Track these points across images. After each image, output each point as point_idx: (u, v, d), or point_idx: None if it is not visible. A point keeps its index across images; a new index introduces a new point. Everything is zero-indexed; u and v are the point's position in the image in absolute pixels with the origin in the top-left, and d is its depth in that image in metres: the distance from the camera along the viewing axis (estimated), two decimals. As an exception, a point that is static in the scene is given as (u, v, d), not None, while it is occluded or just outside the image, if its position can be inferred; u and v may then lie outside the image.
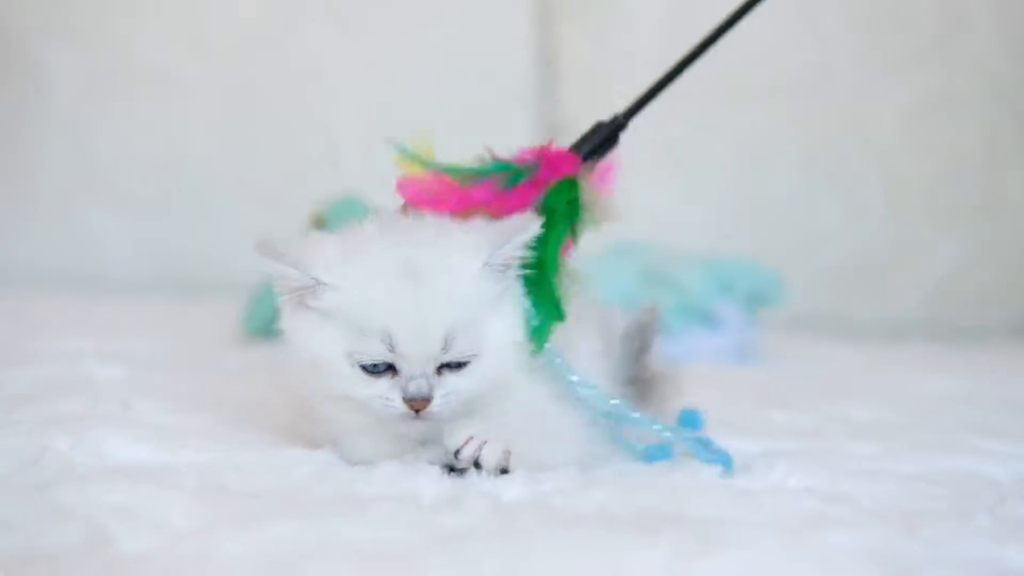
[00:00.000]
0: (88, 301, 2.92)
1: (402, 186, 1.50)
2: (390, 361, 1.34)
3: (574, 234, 1.44)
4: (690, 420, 1.56)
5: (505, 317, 1.38)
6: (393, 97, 3.15)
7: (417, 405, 1.35)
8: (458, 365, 1.36)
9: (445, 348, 1.34)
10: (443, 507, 1.26)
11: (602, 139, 1.53)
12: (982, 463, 1.53)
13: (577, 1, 3.17)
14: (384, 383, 1.35)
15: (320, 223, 2.41)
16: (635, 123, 3.21)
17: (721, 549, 1.10)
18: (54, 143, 3.15)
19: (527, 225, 1.37)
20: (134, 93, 3.18)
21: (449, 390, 1.36)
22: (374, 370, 1.35)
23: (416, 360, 1.34)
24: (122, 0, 3.19)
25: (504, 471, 1.36)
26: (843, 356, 2.57)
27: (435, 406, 1.35)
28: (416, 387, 1.34)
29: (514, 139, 3.09)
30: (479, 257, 1.36)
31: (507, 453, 1.36)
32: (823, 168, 3.03)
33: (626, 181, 3.06)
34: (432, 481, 1.35)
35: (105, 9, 3.19)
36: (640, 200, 3.09)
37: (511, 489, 1.35)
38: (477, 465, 1.37)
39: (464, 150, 3.18)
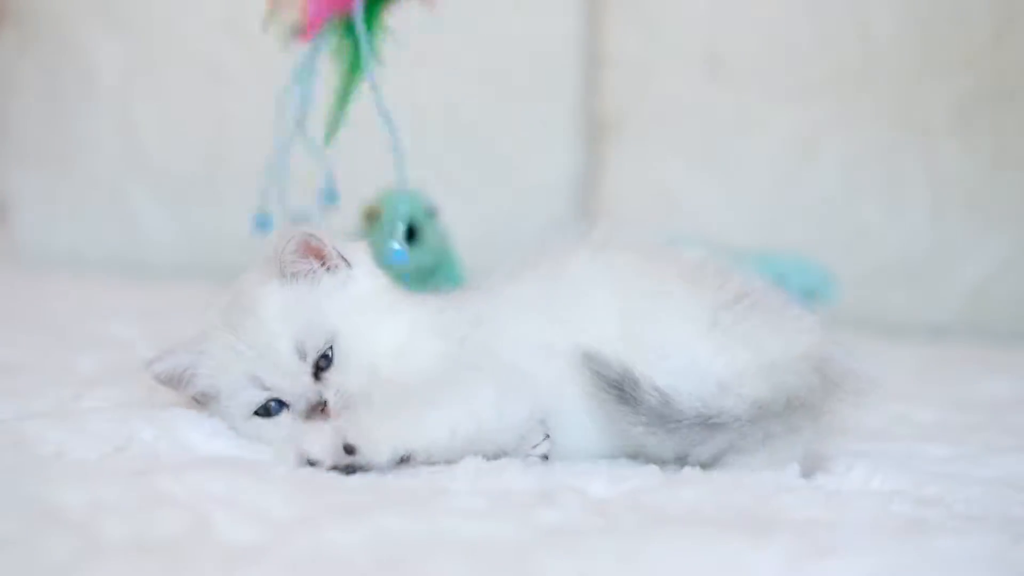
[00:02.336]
0: (131, 285, 2.92)
1: None
2: (273, 397, 1.43)
3: None
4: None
5: (337, 298, 1.46)
6: (441, 88, 3.13)
7: (317, 414, 1.41)
8: (326, 358, 1.43)
9: (301, 355, 1.42)
10: (536, 502, 1.26)
11: None
12: (1062, 467, 1.54)
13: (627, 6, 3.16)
14: (284, 419, 1.43)
15: (373, 216, 2.40)
16: (681, 117, 3.19)
17: (834, 554, 1.10)
18: (99, 129, 3.14)
19: (287, 233, 1.47)
20: (179, 80, 3.16)
21: (335, 383, 1.42)
22: (268, 415, 1.43)
23: (287, 382, 1.42)
24: (166, -15, 3.18)
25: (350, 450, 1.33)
26: (891, 354, 2.57)
27: (333, 404, 1.41)
28: (306, 399, 1.41)
29: (560, 134, 3.15)
30: (271, 279, 1.46)
31: (340, 436, 1.33)
32: (868, 166, 3.02)
33: (672, 177, 3.09)
34: (518, 475, 1.35)
35: (150, -2, 3.18)
36: (686, 196, 3.08)
37: (596, 484, 1.35)
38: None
39: (511, 143, 3.18)
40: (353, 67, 1.72)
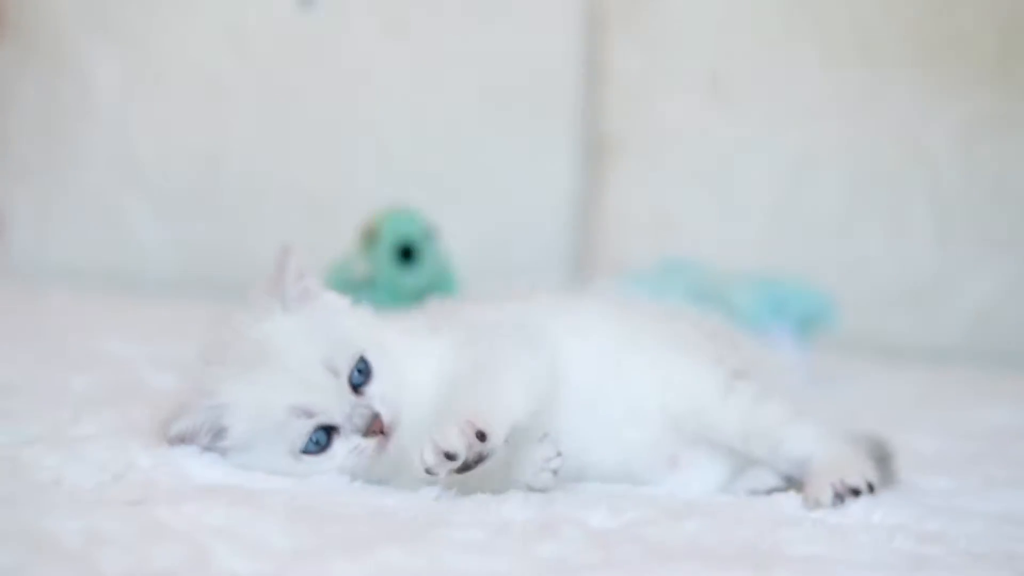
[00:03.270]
0: (128, 301, 2.91)
1: None
2: (321, 424, 1.36)
3: None
4: None
5: (345, 313, 1.43)
6: (438, 104, 3.13)
7: (376, 426, 1.36)
8: (360, 373, 1.37)
9: (336, 373, 1.36)
10: (536, 534, 1.26)
11: None
12: (1064, 501, 1.53)
13: (626, 13, 3.16)
14: (338, 446, 1.37)
15: (372, 234, 2.40)
16: (682, 139, 3.21)
17: (837, 592, 1.09)
18: (95, 142, 3.14)
19: (282, 260, 1.41)
20: (176, 93, 3.16)
21: (378, 394, 1.37)
22: (318, 448, 1.37)
23: (333, 402, 1.35)
24: (164, 0, 3.18)
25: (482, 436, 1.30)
26: (891, 380, 2.56)
27: (386, 414, 1.36)
28: (360, 415, 1.36)
29: (559, 153, 3.15)
30: (270, 312, 1.40)
31: (469, 424, 1.30)
32: (871, 189, 3.02)
33: (672, 198, 3.09)
34: (518, 507, 1.35)
35: (148, 9, 3.18)
36: (685, 217, 3.08)
37: (596, 516, 1.35)
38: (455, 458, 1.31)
39: (511, 163, 3.18)
40: None
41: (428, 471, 1.30)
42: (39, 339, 2.37)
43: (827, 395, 2.38)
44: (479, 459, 1.30)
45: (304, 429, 1.36)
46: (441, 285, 2.39)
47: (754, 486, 1.53)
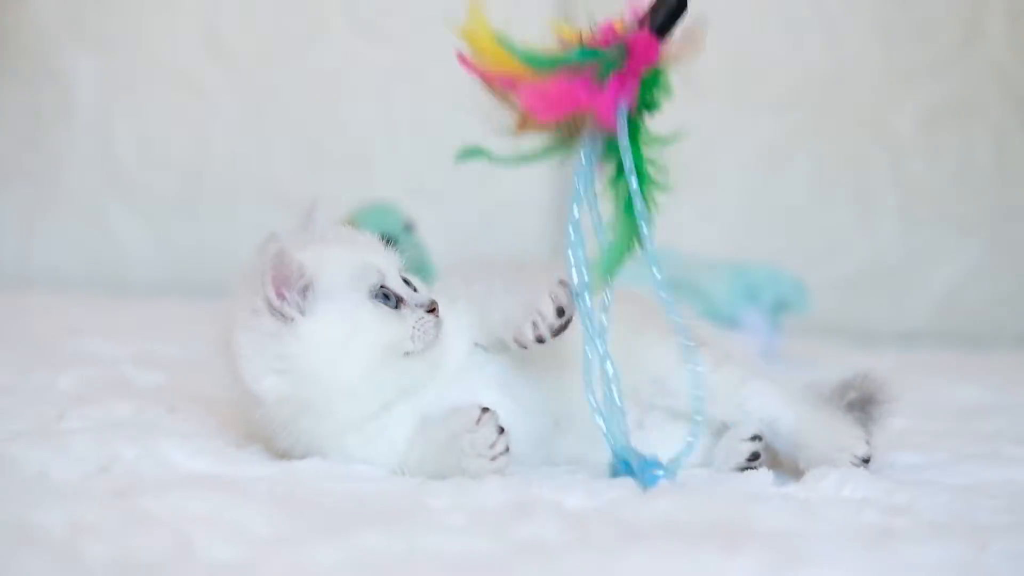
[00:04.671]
0: (112, 303, 2.93)
1: (469, 65, 1.54)
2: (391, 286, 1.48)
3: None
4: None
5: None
6: (413, 101, 3.16)
7: (434, 308, 1.48)
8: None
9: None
10: (513, 517, 1.28)
11: (671, 9, 1.47)
12: (1029, 473, 1.57)
13: (598, 7, 3.18)
14: (407, 312, 1.47)
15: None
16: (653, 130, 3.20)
17: (805, 564, 1.12)
18: (78, 147, 3.16)
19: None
20: (156, 98, 3.18)
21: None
22: (392, 304, 1.47)
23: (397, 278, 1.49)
24: (144, 6, 3.20)
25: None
26: (862, 362, 2.60)
27: (440, 306, 1.49)
28: (421, 296, 1.49)
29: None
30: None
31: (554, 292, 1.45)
32: (838, 176, 3.07)
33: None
34: (496, 490, 1.37)
35: (128, 15, 3.20)
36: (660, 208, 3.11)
37: (572, 497, 1.38)
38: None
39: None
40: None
41: (537, 331, 1.43)
42: (25, 340, 2.40)
43: (800, 378, 2.42)
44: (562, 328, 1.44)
45: (378, 278, 1.47)
46: (420, 277, 2.41)
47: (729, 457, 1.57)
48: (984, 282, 3.02)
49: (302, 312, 1.43)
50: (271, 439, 1.50)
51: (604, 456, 1.51)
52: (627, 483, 1.43)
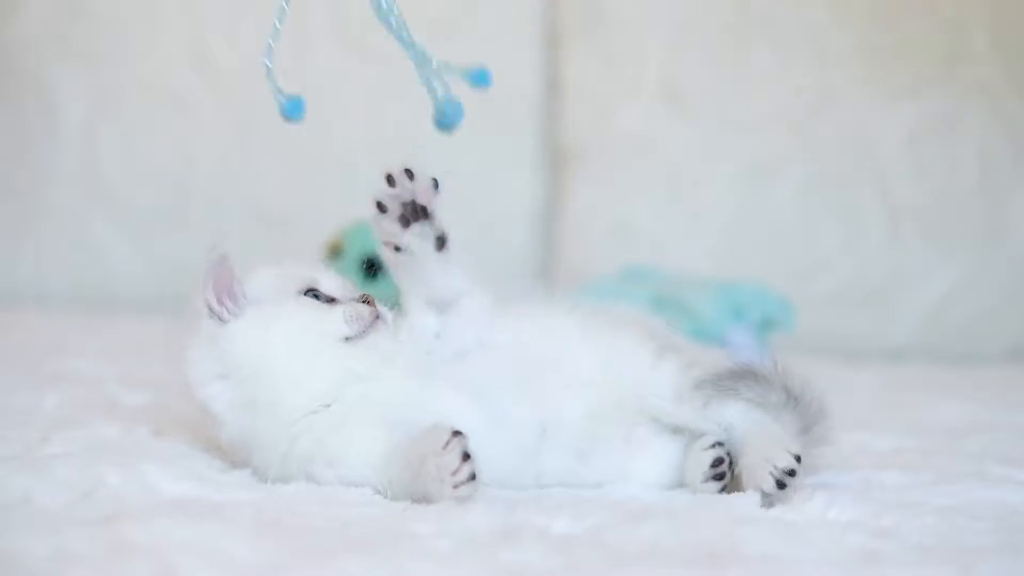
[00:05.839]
0: (98, 320, 2.92)
1: None
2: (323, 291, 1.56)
3: None
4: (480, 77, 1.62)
5: None
6: (400, 119, 3.15)
7: (368, 299, 1.56)
8: None
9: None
10: (499, 542, 1.28)
11: None
12: (1016, 494, 1.57)
13: (584, 26, 3.20)
14: (339, 307, 1.54)
15: (336, 250, 2.41)
16: (640, 148, 3.24)
17: (791, 589, 1.12)
18: (63, 163, 3.15)
19: None
20: (142, 114, 3.18)
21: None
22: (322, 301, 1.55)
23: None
24: (130, 22, 3.20)
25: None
26: (848, 379, 2.61)
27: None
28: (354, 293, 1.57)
29: (522, 164, 3.19)
30: None
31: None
32: (824, 193, 3.07)
33: (633, 207, 3.13)
34: (482, 515, 1.37)
35: (114, 31, 3.19)
36: (646, 225, 3.12)
37: (559, 522, 1.38)
38: None
39: (474, 174, 3.21)
40: None
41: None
42: (9, 359, 2.39)
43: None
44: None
45: (308, 282, 1.57)
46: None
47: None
48: (970, 299, 3.03)
49: (234, 315, 1.51)
50: (249, 461, 1.53)
51: (595, 469, 1.56)
52: (613, 508, 1.43)
